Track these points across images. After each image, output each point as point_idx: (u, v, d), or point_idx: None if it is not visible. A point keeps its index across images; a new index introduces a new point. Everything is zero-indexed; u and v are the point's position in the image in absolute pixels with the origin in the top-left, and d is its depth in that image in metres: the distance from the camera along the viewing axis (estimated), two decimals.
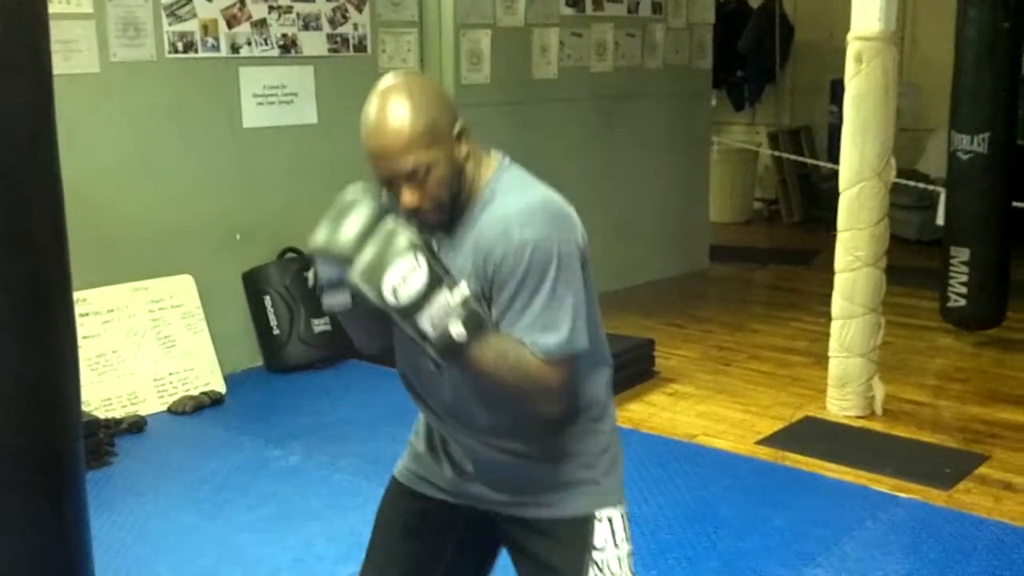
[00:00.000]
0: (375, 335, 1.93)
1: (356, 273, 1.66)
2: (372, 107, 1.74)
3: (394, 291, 1.63)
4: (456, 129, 1.76)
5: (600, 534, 1.93)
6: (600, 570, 1.91)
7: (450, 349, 1.66)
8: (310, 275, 1.80)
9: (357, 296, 1.71)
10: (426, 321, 1.64)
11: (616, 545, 1.94)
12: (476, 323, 1.66)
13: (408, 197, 1.74)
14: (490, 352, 1.69)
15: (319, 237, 1.73)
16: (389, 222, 1.70)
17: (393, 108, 1.72)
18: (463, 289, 1.66)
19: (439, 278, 1.65)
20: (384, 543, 2.08)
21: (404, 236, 1.67)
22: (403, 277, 1.63)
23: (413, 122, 1.70)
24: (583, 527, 1.92)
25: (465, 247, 1.77)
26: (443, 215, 1.76)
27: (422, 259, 1.64)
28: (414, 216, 1.75)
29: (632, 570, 1.97)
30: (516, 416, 1.84)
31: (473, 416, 1.88)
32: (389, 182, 1.75)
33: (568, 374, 1.77)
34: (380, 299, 1.64)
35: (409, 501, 2.06)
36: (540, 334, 1.72)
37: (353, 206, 1.74)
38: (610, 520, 1.95)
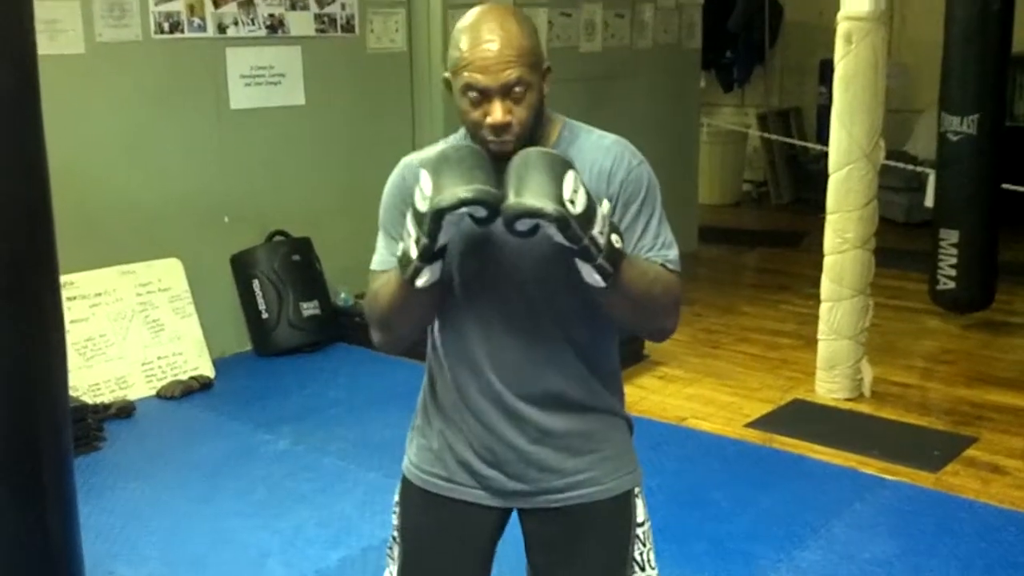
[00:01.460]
0: (429, 318, 1.87)
1: (527, 196, 1.60)
2: (478, 19, 1.72)
3: (572, 202, 1.61)
4: (545, 64, 1.78)
5: (640, 508, 1.95)
6: (642, 544, 1.94)
7: (617, 258, 1.66)
8: (412, 244, 1.66)
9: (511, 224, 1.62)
10: (596, 231, 1.63)
11: (648, 518, 1.97)
12: (621, 235, 1.70)
13: (502, 112, 1.70)
14: (633, 267, 1.72)
15: (461, 190, 1.61)
16: (529, 151, 1.67)
17: (504, 21, 1.72)
18: (606, 204, 1.68)
19: (591, 192, 1.67)
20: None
21: (556, 155, 1.67)
22: (573, 190, 1.62)
23: (523, 38, 1.71)
24: (628, 502, 1.93)
25: (583, 176, 1.75)
26: (519, 143, 1.73)
27: (577, 174, 1.65)
28: (500, 133, 1.71)
29: None
30: (585, 368, 1.87)
31: (539, 379, 1.85)
32: (482, 95, 1.70)
33: (681, 287, 1.86)
34: (563, 212, 1.59)
35: (444, 510, 1.95)
36: (665, 249, 1.82)
37: (471, 159, 1.66)
38: (641, 493, 1.97)
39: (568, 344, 1.85)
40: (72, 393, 3.75)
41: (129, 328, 4.88)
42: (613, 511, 1.91)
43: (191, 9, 5.03)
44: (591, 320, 1.84)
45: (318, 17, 5.52)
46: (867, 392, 4.65)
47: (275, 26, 5.35)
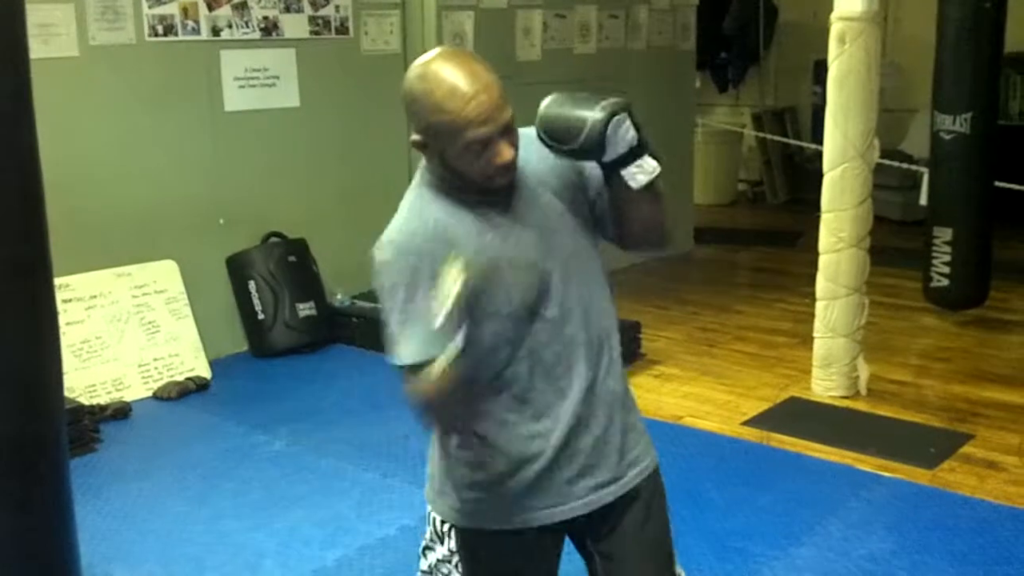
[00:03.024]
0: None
1: (593, 111, 1.72)
2: (449, 75, 1.70)
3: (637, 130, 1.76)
4: None
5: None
6: (670, 512, 2.05)
7: (656, 177, 1.81)
8: (627, 128, 1.76)
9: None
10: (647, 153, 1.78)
11: None
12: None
13: (509, 150, 1.73)
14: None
15: (599, 109, 1.73)
16: (549, 99, 1.79)
17: (476, 69, 1.72)
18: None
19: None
20: None
21: (557, 95, 1.79)
22: (630, 125, 1.75)
23: (491, 74, 1.73)
24: (659, 475, 2.05)
25: (538, 188, 1.85)
26: (515, 172, 1.81)
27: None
28: (509, 169, 1.76)
29: None
30: (616, 349, 1.96)
31: (596, 361, 1.90)
32: (485, 145, 1.72)
33: None
34: (638, 136, 1.75)
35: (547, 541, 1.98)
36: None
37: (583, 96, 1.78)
38: None
39: (610, 333, 1.94)
40: (68, 395, 3.76)
41: (125, 330, 4.88)
42: (658, 483, 2.04)
43: (185, 12, 5.03)
44: (612, 304, 1.96)
45: (312, 19, 5.52)
46: (863, 390, 4.66)
47: (269, 28, 5.36)
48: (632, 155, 1.76)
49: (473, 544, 2.01)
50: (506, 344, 1.80)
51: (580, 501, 1.91)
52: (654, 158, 1.80)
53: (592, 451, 1.90)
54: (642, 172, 1.78)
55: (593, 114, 1.71)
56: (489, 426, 1.85)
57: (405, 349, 1.73)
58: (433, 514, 2.21)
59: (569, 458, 1.88)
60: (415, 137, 1.76)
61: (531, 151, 1.81)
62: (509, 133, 1.73)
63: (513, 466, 1.87)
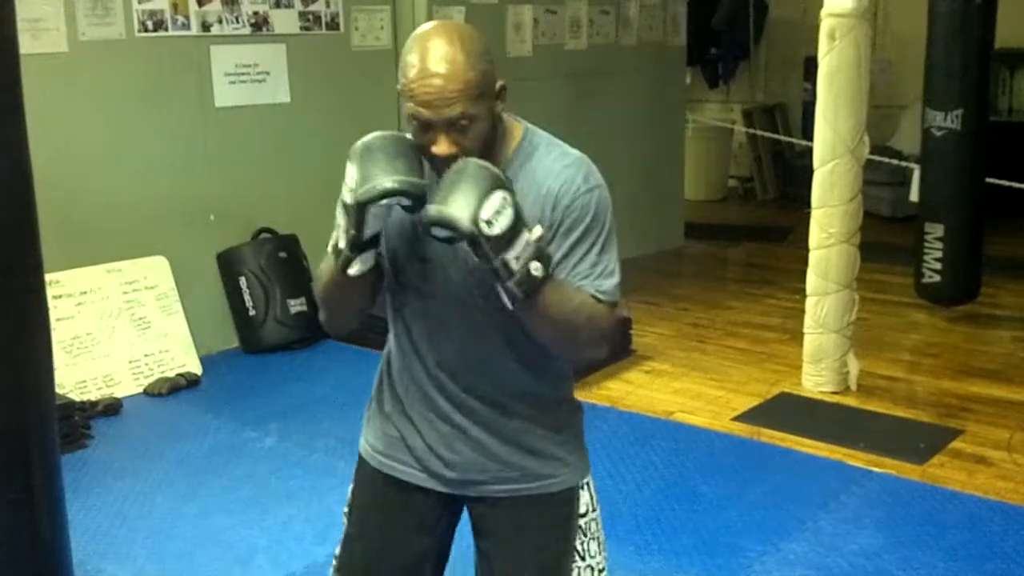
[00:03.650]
0: (365, 303, 1.90)
1: (447, 206, 1.63)
2: (426, 46, 1.70)
3: (488, 223, 1.62)
4: (498, 85, 1.77)
5: (583, 501, 1.98)
6: (584, 534, 1.97)
7: (530, 285, 1.67)
8: (342, 234, 1.73)
9: (425, 232, 1.70)
10: (512, 255, 1.64)
11: (594, 508, 2.01)
12: (548, 262, 1.70)
13: (445, 145, 1.71)
14: (557, 293, 1.72)
15: (383, 182, 1.66)
16: (469, 161, 1.68)
17: (451, 50, 1.69)
18: (537, 229, 1.69)
19: (522, 215, 1.67)
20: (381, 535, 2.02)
21: (494, 172, 1.67)
22: (496, 210, 1.62)
23: (466, 72, 1.68)
24: (572, 496, 1.96)
25: (527, 197, 1.78)
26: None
27: (510, 195, 1.66)
28: (446, 162, 1.71)
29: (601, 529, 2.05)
30: (528, 374, 1.89)
31: (482, 376, 1.88)
32: (426, 127, 1.71)
33: (615, 319, 1.86)
34: (473, 230, 1.61)
35: (393, 491, 2.00)
36: (602, 278, 1.80)
37: (395, 147, 1.71)
38: (589, 485, 2.00)
39: (509, 348, 1.86)
40: (58, 391, 3.74)
41: (115, 326, 4.87)
42: (558, 504, 1.95)
43: (175, 7, 5.02)
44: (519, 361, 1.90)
45: (302, 15, 5.51)
46: (853, 385, 4.67)
47: (259, 24, 5.34)
48: (496, 277, 1.68)
49: (357, 470, 2.09)
50: (396, 296, 1.94)
51: (418, 471, 1.96)
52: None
53: (456, 442, 1.92)
54: (501, 298, 1.72)
55: (431, 208, 1.67)
56: (389, 351, 2.00)
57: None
58: None
59: (430, 435, 1.94)
60: (399, 86, 1.76)
61: (538, 183, 1.79)
62: (458, 130, 1.70)
63: (393, 404, 1.99)
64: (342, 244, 1.73)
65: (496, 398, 1.89)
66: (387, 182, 1.66)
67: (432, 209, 1.64)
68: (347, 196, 1.69)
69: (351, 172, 1.69)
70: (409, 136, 1.76)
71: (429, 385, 1.92)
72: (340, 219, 1.73)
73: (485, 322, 1.84)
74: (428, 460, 1.94)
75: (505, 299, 1.70)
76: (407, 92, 1.70)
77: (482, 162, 1.68)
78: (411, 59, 1.70)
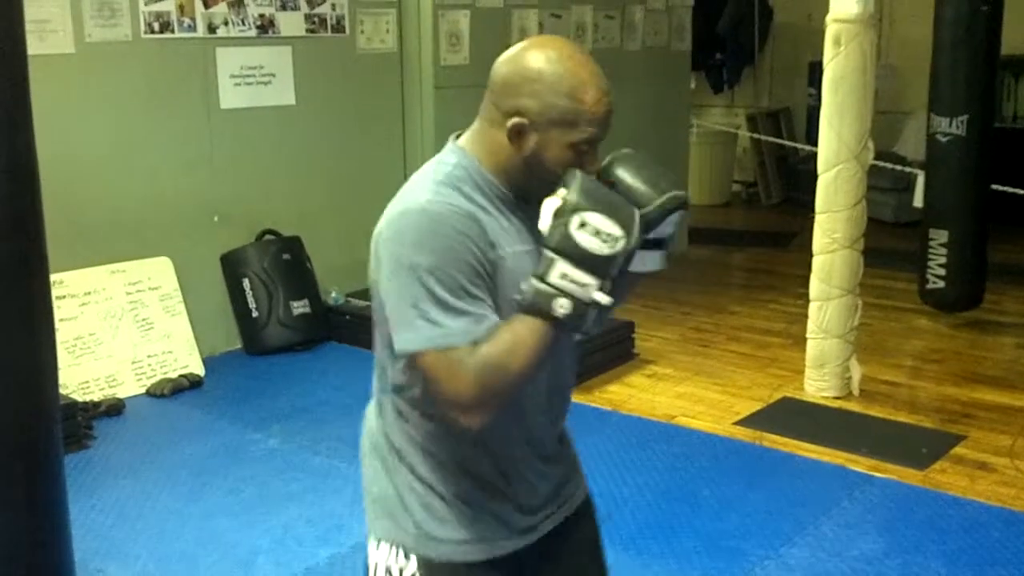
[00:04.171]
0: None
1: (675, 187, 1.66)
2: (578, 68, 1.62)
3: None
4: None
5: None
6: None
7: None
8: (593, 292, 1.54)
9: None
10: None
11: None
12: None
13: (596, 161, 1.67)
14: None
15: (676, 188, 1.64)
16: (629, 152, 1.71)
17: (596, 66, 1.65)
18: None
19: None
20: None
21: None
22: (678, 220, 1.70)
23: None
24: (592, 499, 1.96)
25: None
26: None
27: None
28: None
29: None
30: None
31: (562, 397, 1.82)
32: (590, 146, 1.64)
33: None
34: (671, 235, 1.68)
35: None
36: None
37: (601, 188, 1.61)
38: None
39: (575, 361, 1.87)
40: (62, 391, 3.75)
41: (119, 326, 4.88)
42: (591, 504, 1.94)
43: (181, 9, 5.03)
44: None
45: (308, 17, 5.52)
46: (856, 390, 4.67)
47: (265, 26, 5.35)
48: (658, 244, 1.70)
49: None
50: None
51: (514, 535, 1.78)
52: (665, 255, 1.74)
53: (543, 485, 1.83)
54: (653, 263, 1.72)
55: (666, 196, 1.64)
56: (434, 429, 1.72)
57: (450, 325, 1.56)
58: (376, 552, 1.81)
59: (523, 493, 1.78)
60: (519, 120, 1.60)
61: None
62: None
63: (467, 480, 1.73)
64: (602, 299, 1.54)
65: (561, 425, 1.86)
66: (671, 196, 1.64)
67: (673, 196, 1.63)
68: (606, 247, 1.53)
69: (603, 221, 1.54)
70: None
71: (534, 433, 1.75)
72: (579, 276, 1.53)
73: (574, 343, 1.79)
74: (520, 518, 1.76)
75: (648, 266, 1.72)
76: (585, 115, 1.61)
77: (628, 151, 1.70)
78: (574, 81, 1.60)
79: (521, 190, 1.66)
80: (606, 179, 1.64)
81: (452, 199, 1.60)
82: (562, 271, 1.53)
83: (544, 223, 1.56)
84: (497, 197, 1.65)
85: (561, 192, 1.56)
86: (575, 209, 1.54)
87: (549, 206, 1.56)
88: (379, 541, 1.79)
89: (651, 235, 1.65)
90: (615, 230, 1.54)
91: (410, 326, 1.56)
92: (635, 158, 1.68)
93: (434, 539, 1.73)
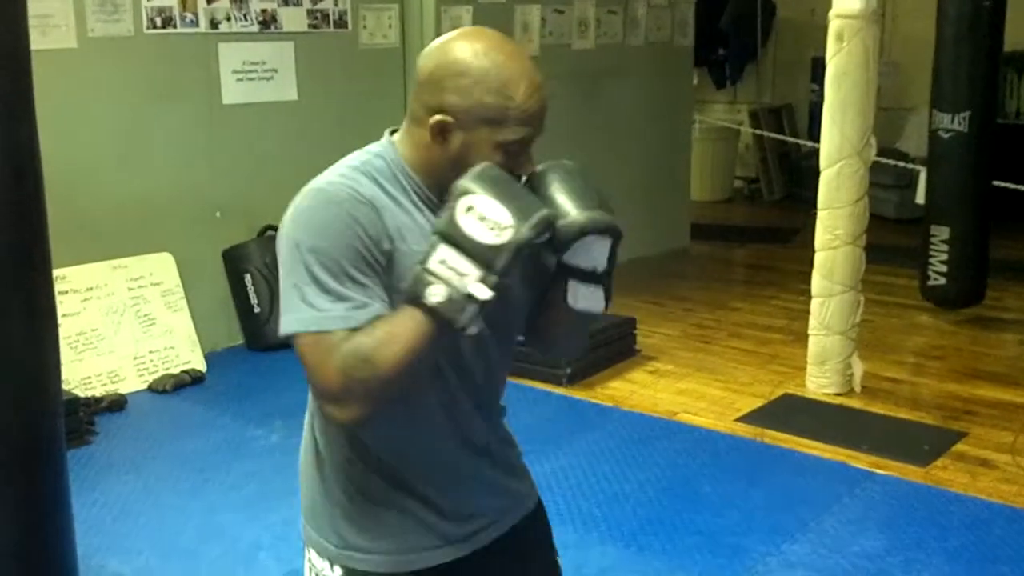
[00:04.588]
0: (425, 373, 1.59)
1: (597, 211, 1.52)
2: (509, 60, 1.50)
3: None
4: None
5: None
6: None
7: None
8: (473, 282, 1.42)
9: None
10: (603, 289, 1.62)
11: None
12: None
13: (531, 165, 1.56)
14: None
15: (587, 215, 1.49)
16: (561, 164, 1.58)
17: (529, 62, 1.53)
18: None
19: None
20: None
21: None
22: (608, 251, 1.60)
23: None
24: (542, 508, 1.86)
25: None
26: None
27: None
28: None
29: None
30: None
31: (493, 398, 1.73)
32: (521, 147, 1.53)
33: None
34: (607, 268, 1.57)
35: None
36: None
37: (501, 175, 1.48)
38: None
39: (510, 360, 1.76)
40: (63, 387, 3.75)
41: (121, 322, 4.88)
42: (542, 515, 1.84)
43: (183, 4, 5.03)
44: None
45: (311, 12, 5.52)
46: (857, 387, 4.67)
47: (267, 21, 5.35)
48: (590, 277, 1.57)
49: None
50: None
51: (440, 546, 1.69)
52: (606, 299, 1.59)
53: (479, 493, 1.74)
54: (586, 300, 1.58)
55: (586, 214, 1.51)
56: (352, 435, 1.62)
57: (328, 311, 1.48)
58: (314, 560, 1.72)
59: (449, 498, 1.69)
60: (442, 117, 1.50)
61: None
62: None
63: (386, 489, 1.65)
64: (481, 294, 1.41)
65: (498, 421, 1.76)
66: (589, 216, 1.49)
67: (594, 216, 1.50)
68: (494, 235, 1.41)
69: (493, 207, 1.42)
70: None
71: (460, 437, 1.66)
72: (460, 265, 1.41)
73: (511, 341, 1.71)
74: (450, 527, 1.67)
75: (582, 304, 1.58)
76: (514, 113, 1.50)
77: (568, 163, 1.58)
78: (504, 76, 1.49)
79: (445, 190, 1.51)
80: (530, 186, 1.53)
81: (357, 184, 1.54)
82: (441, 257, 1.42)
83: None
84: (414, 192, 1.57)
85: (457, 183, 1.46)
86: (464, 192, 1.43)
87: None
88: (310, 550, 1.72)
89: (579, 262, 1.54)
90: (504, 218, 1.41)
91: (290, 307, 1.50)
92: (569, 171, 1.55)
93: (356, 548, 1.65)
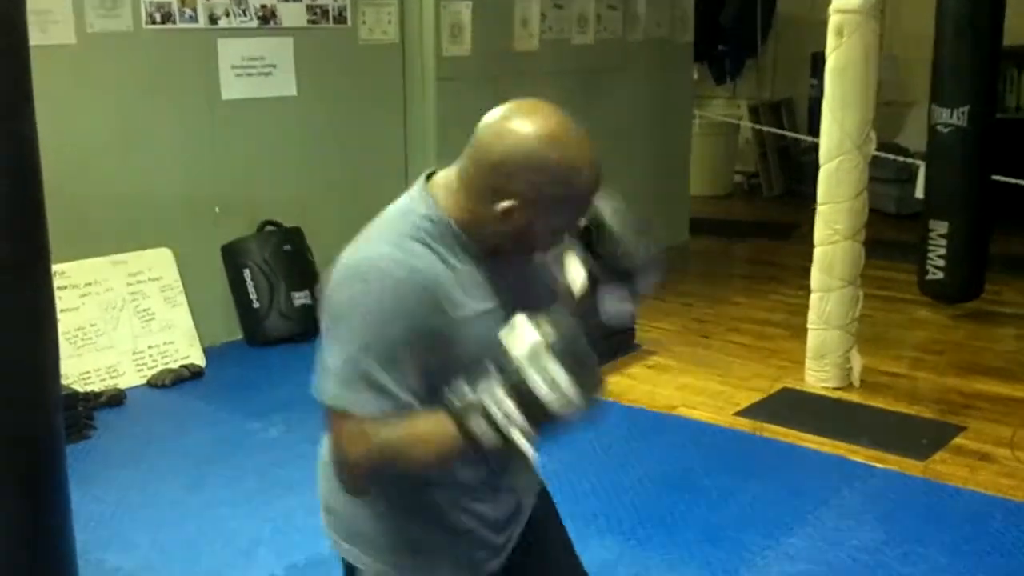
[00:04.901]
0: None
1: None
2: (580, 147, 1.56)
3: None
4: None
5: None
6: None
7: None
8: (514, 429, 1.50)
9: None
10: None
11: None
12: None
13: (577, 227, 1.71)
14: None
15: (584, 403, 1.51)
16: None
17: (590, 143, 1.59)
18: None
19: None
20: None
21: None
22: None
23: None
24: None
25: None
26: None
27: None
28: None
29: None
30: None
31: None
32: (571, 228, 1.66)
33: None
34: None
35: None
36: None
37: (580, 342, 1.52)
38: None
39: None
40: (63, 382, 3.75)
41: (120, 317, 4.88)
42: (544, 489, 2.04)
43: (182, 0, 5.02)
44: None
45: (310, 8, 5.51)
46: (856, 381, 4.67)
47: (267, 17, 5.34)
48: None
49: None
50: None
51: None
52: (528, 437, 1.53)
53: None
54: (620, 316, 1.81)
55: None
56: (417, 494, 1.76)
57: (362, 394, 1.62)
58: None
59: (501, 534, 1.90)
60: (511, 204, 1.54)
61: None
62: None
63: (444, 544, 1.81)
64: (517, 440, 1.48)
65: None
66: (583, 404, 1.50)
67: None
68: (552, 398, 1.47)
69: (560, 373, 1.47)
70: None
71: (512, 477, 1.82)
72: (511, 411, 1.48)
73: None
74: (499, 536, 1.85)
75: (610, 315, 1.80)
76: (580, 204, 1.61)
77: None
78: (575, 169, 1.55)
79: (492, 248, 1.62)
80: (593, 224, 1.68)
81: (415, 259, 1.56)
82: (499, 397, 1.48)
83: (516, 346, 1.50)
84: (462, 249, 1.61)
85: (546, 329, 1.49)
86: (544, 349, 1.48)
87: (528, 335, 1.50)
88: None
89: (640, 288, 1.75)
90: (572, 393, 1.47)
91: (330, 378, 1.62)
92: (623, 213, 1.73)
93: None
